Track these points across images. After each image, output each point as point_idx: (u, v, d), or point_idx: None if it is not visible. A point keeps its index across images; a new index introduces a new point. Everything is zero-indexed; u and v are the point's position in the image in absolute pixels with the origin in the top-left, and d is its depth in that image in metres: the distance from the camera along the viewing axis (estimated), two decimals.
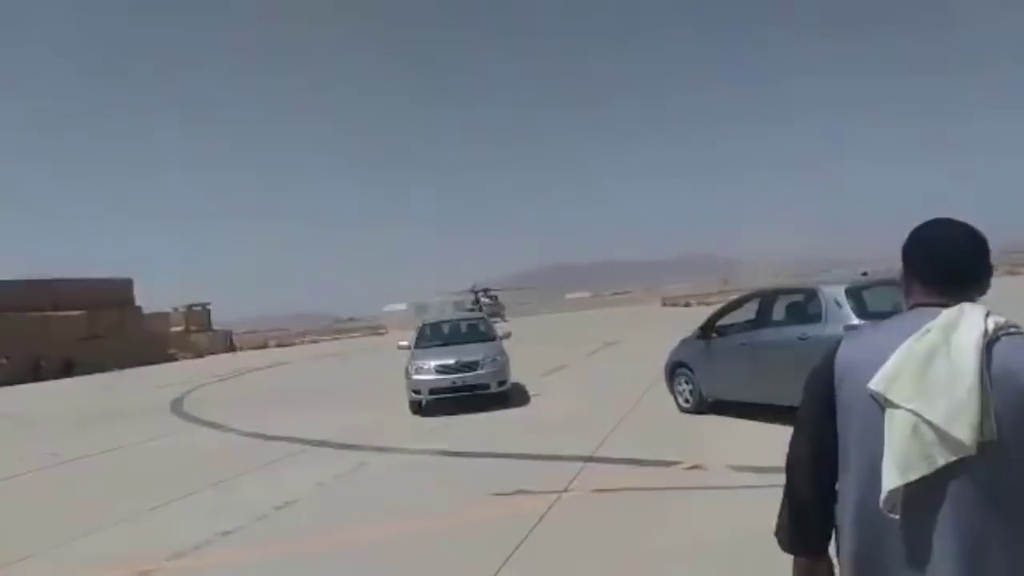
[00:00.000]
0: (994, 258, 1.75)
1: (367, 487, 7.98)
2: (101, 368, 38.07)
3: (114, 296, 49.64)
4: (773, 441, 8.12)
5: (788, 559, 1.82)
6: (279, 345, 59.08)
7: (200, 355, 48.90)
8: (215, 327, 60.41)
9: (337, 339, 60.17)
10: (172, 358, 47.37)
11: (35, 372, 37.83)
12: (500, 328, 15.39)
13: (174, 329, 55.31)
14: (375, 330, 67.67)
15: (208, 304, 60.51)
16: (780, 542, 1.84)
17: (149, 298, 57.27)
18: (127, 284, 52.79)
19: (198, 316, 58.66)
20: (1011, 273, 49.31)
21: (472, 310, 61.30)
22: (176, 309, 58.80)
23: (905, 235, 1.78)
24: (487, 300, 68.89)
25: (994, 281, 1.74)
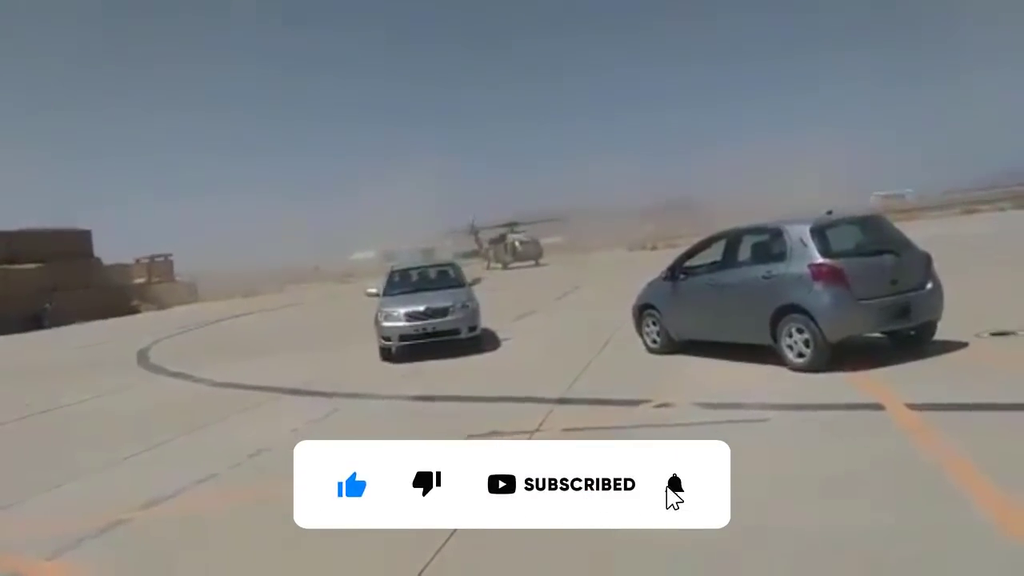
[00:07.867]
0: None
1: (341, 433, 8.01)
2: (62, 321, 37.41)
3: (73, 248, 48.51)
4: (738, 378, 8.34)
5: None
6: (244, 296, 58.46)
7: (164, 307, 48.26)
8: (178, 277, 59.57)
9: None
10: (135, 310, 46.69)
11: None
12: (469, 275, 15.29)
13: (136, 281, 54.41)
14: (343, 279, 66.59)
15: (170, 255, 59.52)
16: None
17: (109, 250, 56.00)
18: (86, 235, 51.50)
19: (160, 267, 57.73)
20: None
21: (475, 251, 55.12)
22: (138, 260, 57.76)
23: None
24: (519, 238, 52.44)
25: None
